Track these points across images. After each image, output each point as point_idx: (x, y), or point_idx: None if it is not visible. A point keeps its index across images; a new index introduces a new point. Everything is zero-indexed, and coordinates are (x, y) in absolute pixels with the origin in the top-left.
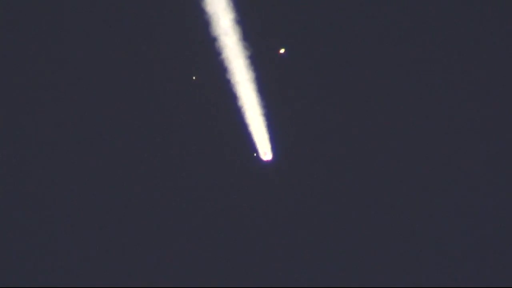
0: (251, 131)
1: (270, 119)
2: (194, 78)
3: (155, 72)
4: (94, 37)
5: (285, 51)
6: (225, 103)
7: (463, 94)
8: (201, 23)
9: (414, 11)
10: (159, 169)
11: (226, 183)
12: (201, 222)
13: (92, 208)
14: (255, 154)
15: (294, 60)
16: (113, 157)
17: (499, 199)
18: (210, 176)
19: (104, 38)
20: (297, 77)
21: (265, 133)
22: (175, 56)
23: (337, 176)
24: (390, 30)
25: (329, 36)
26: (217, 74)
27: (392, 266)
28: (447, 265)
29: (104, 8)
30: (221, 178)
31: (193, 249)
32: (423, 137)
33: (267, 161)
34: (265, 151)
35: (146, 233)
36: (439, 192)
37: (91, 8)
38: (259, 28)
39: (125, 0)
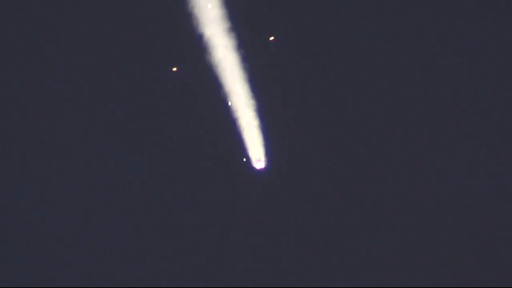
0: (243, 135)
1: (264, 123)
2: (174, 69)
3: (147, 79)
4: (88, 37)
5: (274, 39)
6: (217, 107)
7: (461, 94)
8: (195, 28)
9: (411, 12)
10: (148, 177)
11: (217, 192)
12: (191, 231)
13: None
14: (245, 160)
15: (289, 64)
16: (106, 165)
17: (499, 199)
18: (201, 185)
19: (96, 40)
20: (293, 80)
21: (258, 138)
22: (167, 61)
23: (334, 184)
24: (389, 33)
25: (325, 41)
26: (210, 76)
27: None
28: (446, 265)
29: (95, 8)
30: (211, 185)
31: (183, 256)
32: (423, 146)
33: (260, 169)
34: (258, 158)
35: (138, 239)
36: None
37: (85, 9)
38: (254, 30)
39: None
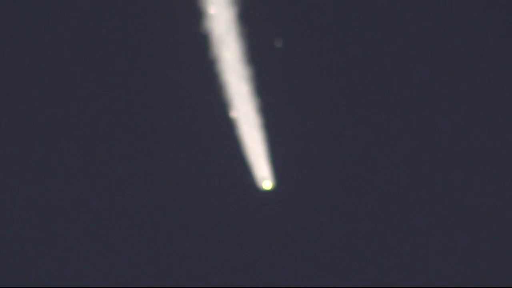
0: (248, 153)
1: (272, 139)
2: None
3: (147, 91)
4: (92, 37)
5: (279, 45)
6: (220, 121)
7: (461, 94)
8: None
9: (412, 11)
10: (146, 200)
11: (220, 214)
12: (194, 257)
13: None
14: (250, 180)
15: (298, 77)
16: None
17: (499, 199)
18: (202, 206)
19: (98, 39)
20: (303, 95)
21: (265, 156)
22: (168, 71)
23: (347, 207)
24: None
25: (339, 51)
26: (213, 89)
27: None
28: (446, 265)
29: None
30: (214, 206)
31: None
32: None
33: (267, 190)
34: (264, 178)
35: (137, 263)
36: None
37: (88, 9)
38: (260, 37)
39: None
